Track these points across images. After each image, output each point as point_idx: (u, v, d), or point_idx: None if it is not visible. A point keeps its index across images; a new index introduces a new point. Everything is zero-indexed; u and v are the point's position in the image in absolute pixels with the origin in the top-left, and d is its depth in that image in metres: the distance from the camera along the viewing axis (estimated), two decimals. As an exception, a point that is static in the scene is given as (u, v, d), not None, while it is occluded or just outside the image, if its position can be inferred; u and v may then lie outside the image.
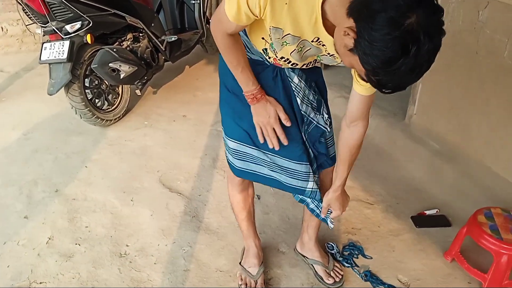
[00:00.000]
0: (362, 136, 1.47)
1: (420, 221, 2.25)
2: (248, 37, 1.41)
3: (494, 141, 2.29)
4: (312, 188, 1.57)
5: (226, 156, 1.65)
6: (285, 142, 1.46)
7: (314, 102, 1.54)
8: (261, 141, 1.48)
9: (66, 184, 2.53)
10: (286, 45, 1.25)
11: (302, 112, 1.51)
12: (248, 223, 1.86)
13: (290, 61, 1.35)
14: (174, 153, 2.85)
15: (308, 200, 1.69)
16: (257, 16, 1.17)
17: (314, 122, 1.55)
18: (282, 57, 1.34)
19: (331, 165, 1.67)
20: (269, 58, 1.39)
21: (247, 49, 1.44)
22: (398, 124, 2.92)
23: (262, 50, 1.37)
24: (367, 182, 2.55)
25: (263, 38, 1.32)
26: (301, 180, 1.56)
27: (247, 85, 1.40)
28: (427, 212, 2.29)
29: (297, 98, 1.49)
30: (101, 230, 2.20)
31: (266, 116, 1.42)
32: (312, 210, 1.72)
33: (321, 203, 1.64)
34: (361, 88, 1.32)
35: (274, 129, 1.44)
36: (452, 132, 2.54)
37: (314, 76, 1.54)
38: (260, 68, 1.46)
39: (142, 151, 2.88)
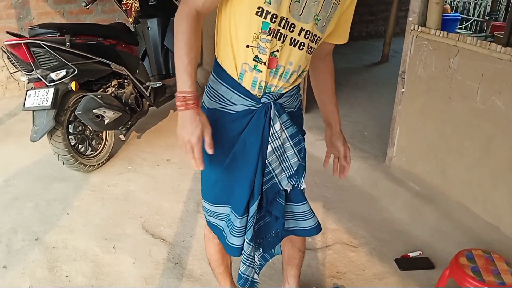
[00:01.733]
0: (333, 66, 1.57)
1: (404, 263, 2.25)
2: (225, 81, 1.32)
3: (471, 182, 2.35)
4: (238, 245, 1.45)
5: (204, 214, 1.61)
6: (199, 167, 1.27)
7: (289, 162, 1.44)
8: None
9: (47, 232, 2.48)
10: None
11: (267, 162, 1.39)
12: (225, 276, 1.84)
13: (289, 23, 1.23)
14: (157, 198, 2.84)
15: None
16: None
17: (275, 179, 1.44)
18: (281, 21, 1.22)
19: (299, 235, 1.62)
20: (264, 64, 1.26)
21: (227, 102, 1.34)
22: (379, 166, 2.97)
23: (254, 59, 1.25)
24: (350, 224, 2.56)
25: (248, 47, 1.24)
26: (235, 236, 1.44)
27: (185, 84, 1.22)
28: (411, 255, 2.31)
29: (270, 145, 1.37)
30: (81, 279, 2.15)
31: (189, 133, 1.23)
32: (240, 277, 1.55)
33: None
34: (337, 39, 1.46)
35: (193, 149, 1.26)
36: (430, 174, 2.60)
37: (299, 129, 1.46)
38: (248, 118, 1.35)
39: (125, 196, 2.86)
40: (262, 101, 1.34)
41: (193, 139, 1.23)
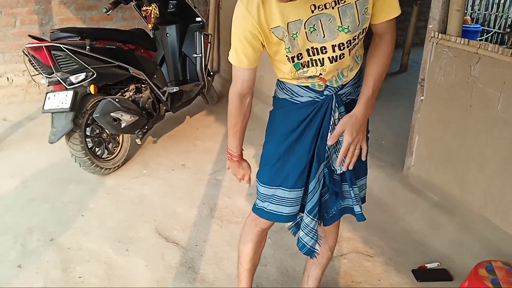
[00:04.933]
0: (392, 44, 1.41)
1: (421, 274, 2.20)
2: (289, 84, 1.49)
3: (491, 192, 2.29)
4: (286, 213, 1.60)
5: (256, 203, 1.68)
6: (247, 185, 1.78)
7: (341, 145, 1.51)
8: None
9: (61, 233, 2.50)
10: (295, 37, 1.30)
11: (326, 147, 1.51)
12: (248, 276, 1.83)
13: (318, 49, 1.33)
14: (171, 202, 2.84)
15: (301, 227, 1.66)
16: (255, 20, 1.28)
17: (330, 162, 1.55)
18: (309, 52, 1.33)
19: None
20: (316, 76, 1.40)
21: (295, 95, 1.50)
22: (397, 175, 2.92)
23: (307, 79, 1.43)
24: (366, 233, 2.52)
25: (294, 78, 1.43)
26: (283, 206, 1.59)
27: (233, 145, 1.61)
28: (428, 266, 2.25)
29: (330, 133, 1.48)
30: (94, 281, 2.15)
31: (235, 173, 1.73)
32: (299, 243, 1.68)
33: (309, 234, 1.62)
34: (387, 15, 1.36)
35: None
36: (449, 184, 2.54)
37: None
38: (312, 108, 1.48)
39: (140, 200, 2.86)
40: (325, 94, 1.48)
41: (239, 176, 1.74)
